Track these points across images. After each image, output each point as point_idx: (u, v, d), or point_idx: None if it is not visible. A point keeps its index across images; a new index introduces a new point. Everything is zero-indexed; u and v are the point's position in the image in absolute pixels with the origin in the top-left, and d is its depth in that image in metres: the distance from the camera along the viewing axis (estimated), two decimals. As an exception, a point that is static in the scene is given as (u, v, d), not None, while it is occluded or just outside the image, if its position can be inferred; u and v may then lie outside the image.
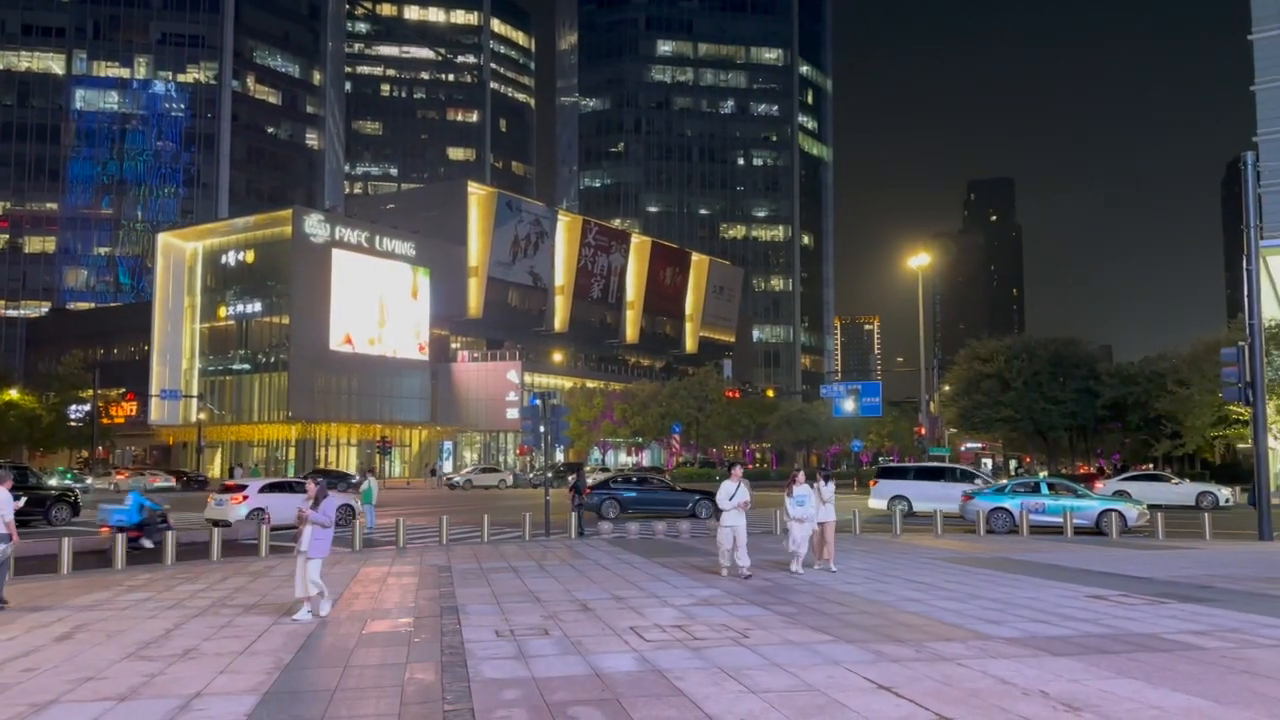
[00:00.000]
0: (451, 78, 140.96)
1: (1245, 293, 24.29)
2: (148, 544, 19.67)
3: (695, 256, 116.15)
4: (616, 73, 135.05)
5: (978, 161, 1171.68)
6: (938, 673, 8.22)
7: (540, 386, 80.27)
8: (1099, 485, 37.54)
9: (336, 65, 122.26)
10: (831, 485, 16.47)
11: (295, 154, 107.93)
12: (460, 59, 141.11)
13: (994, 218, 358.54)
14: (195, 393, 74.81)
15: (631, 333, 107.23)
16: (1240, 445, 46.42)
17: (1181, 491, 36.74)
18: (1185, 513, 31.78)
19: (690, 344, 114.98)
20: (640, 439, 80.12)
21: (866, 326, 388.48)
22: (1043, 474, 51.92)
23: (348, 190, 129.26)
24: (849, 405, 74.15)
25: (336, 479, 48.29)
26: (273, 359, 73.88)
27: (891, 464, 42.46)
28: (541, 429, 25.03)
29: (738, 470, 15.27)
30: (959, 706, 7.09)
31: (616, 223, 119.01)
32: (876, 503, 31.21)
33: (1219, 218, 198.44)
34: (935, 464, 37.43)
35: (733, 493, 14.92)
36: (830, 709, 7.08)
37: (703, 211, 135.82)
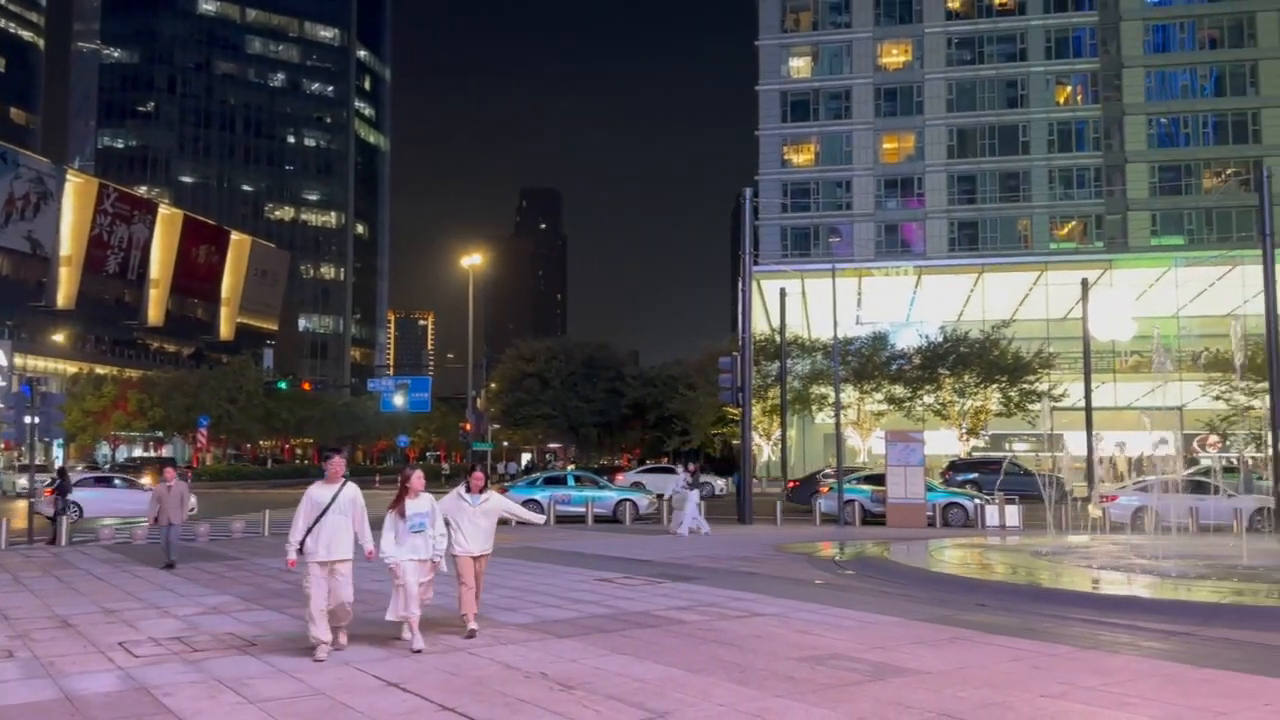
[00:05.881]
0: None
1: (740, 310, 28.18)
2: None
3: (235, 235, 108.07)
4: (148, 24, 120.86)
5: (531, 170, 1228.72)
6: (449, 664, 8.38)
7: (38, 371, 69.71)
8: (620, 478, 41.05)
9: None
10: (491, 495, 9.89)
11: None
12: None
13: (543, 226, 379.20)
14: None
15: (155, 314, 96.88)
16: (734, 441, 53.45)
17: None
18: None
19: (226, 330, 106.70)
20: (160, 433, 72.59)
21: (421, 321, 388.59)
22: (571, 468, 55.69)
23: None
24: (398, 400, 73.90)
25: None
26: None
27: None
28: (29, 420, 21.66)
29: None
30: (463, 695, 7.27)
31: (142, 190, 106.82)
32: None
33: (728, 243, 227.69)
34: None
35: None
36: (334, 712, 6.88)
37: (246, 188, 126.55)
